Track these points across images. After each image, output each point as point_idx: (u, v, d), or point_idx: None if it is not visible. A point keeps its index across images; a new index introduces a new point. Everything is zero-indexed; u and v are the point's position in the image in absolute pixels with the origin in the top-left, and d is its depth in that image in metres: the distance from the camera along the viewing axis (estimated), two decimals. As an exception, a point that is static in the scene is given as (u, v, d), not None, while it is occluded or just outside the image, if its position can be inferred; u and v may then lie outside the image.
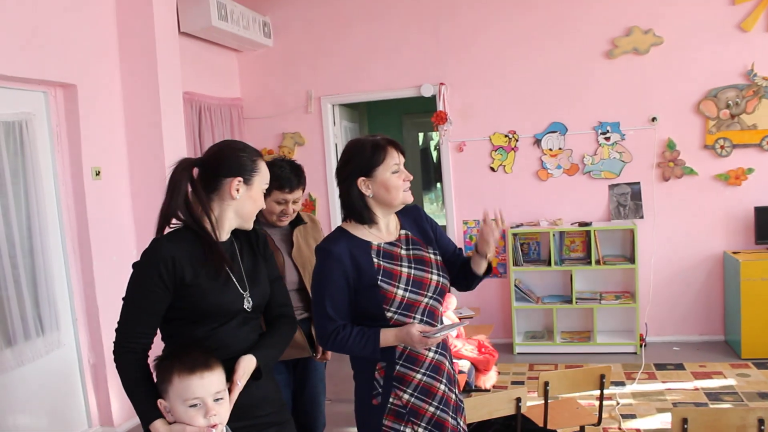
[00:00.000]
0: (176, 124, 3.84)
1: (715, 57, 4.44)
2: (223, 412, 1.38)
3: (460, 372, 3.38)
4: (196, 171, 1.56)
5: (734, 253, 4.36)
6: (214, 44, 4.70)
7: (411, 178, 1.72)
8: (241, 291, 1.54)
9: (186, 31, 4.20)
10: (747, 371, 4.02)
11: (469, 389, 3.49)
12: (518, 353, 4.58)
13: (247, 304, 1.54)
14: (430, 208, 7.59)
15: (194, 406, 1.35)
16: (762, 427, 1.97)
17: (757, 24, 4.38)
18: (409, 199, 1.71)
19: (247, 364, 1.47)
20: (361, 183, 1.65)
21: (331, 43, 4.93)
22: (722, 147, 4.45)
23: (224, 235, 1.56)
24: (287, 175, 2.17)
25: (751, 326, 4.14)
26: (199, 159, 1.58)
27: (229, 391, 1.42)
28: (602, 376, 2.62)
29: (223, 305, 1.50)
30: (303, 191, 2.28)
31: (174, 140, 3.79)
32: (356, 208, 1.67)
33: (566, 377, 2.64)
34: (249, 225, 1.58)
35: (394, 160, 1.66)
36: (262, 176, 1.57)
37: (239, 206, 1.54)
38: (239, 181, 1.52)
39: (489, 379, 3.59)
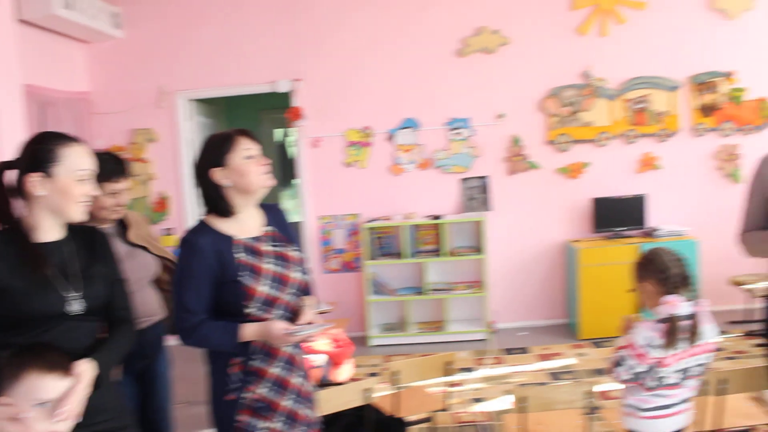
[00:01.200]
0: (15, 120, 4.13)
1: (557, 58, 5.37)
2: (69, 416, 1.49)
3: (316, 366, 3.91)
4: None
5: (574, 241, 5.36)
6: (59, 34, 5.13)
7: (268, 162, 1.90)
8: (64, 293, 1.60)
9: (26, 19, 4.56)
10: (585, 350, 4.96)
11: (324, 383, 3.96)
12: (374, 345, 5.38)
13: (78, 307, 1.61)
14: (288, 205, 8.35)
15: (41, 405, 1.44)
16: (589, 399, 2.53)
17: (591, 29, 5.37)
18: (269, 182, 1.89)
19: (87, 370, 1.56)
20: (216, 173, 1.82)
21: (186, 36, 5.51)
22: (563, 142, 5.51)
23: (46, 235, 1.63)
24: (111, 165, 2.32)
25: (589, 309, 5.13)
26: (12, 160, 1.67)
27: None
28: (448, 363, 3.00)
29: (41, 309, 1.56)
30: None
31: (13, 137, 4.12)
32: (214, 201, 1.85)
33: (415, 366, 2.99)
34: (74, 217, 1.64)
35: (245, 146, 1.83)
36: (68, 165, 1.60)
37: (49, 202, 1.60)
38: (38, 177, 1.59)
39: (344, 372, 4.18)
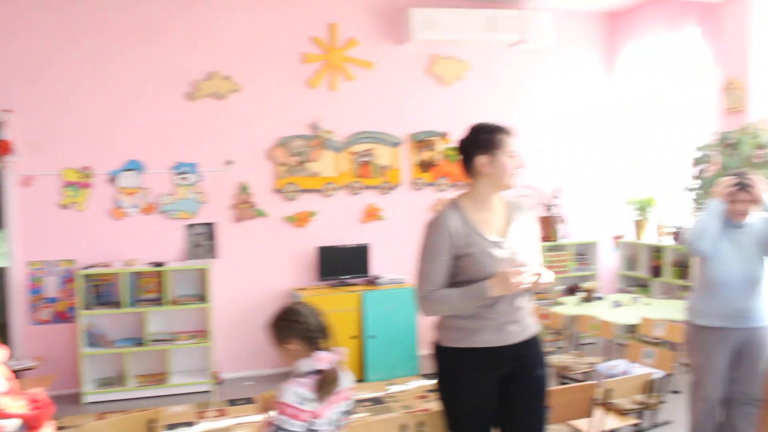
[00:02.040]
0: None
1: (287, 108, 6.05)
2: None
3: None
4: None
5: (300, 289, 6.04)
6: None
7: None
8: None
9: None
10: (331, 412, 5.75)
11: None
12: (89, 402, 5.50)
13: None
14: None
15: None
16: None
17: (321, 83, 6.18)
18: None
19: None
20: None
21: None
22: (291, 191, 6.28)
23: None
24: None
25: None
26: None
27: None
28: (152, 421, 2.99)
29: None
30: None
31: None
32: None
33: (112, 427, 3.05)
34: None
35: None
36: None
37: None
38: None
39: (44, 435, 4.51)
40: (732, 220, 3.52)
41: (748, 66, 5.46)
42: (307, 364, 2.50)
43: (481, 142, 2.60)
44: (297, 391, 2.44)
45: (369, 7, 6.34)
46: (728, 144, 5.09)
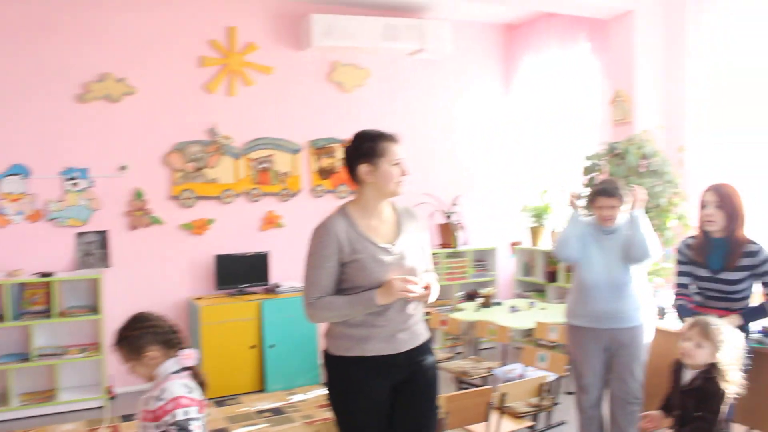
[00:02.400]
0: None
1: (183, 113, 6.12)
2: None
3: None
4: None
5: (197, 299, 6.16)
6: None
7: None
8: None
9: None
10: (207, 411, 5.88)
11: None
12: None
13: None
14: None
15: None
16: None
17: (219, 88, 6.30)
18: None
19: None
20: None
21: None
22: (187, 198, 6.42)
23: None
24: None
25: (212, 367, 5.73)
26: None
27: None
28: None
29: None
30: None
31: None
32: None
33: None
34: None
35: None
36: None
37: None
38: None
39: None
40: (601, 226, 3.95)
41: (634, 79, 6.03)
42: (174, 363, 2.55)
43: (363, 150, 2.66)
44: (182, 383, 2.51)
45: (269, 12, 6.54)
46: (616, 154, 5.58)
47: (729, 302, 3.59)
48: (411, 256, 2.75)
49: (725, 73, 5.44)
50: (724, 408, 2.92)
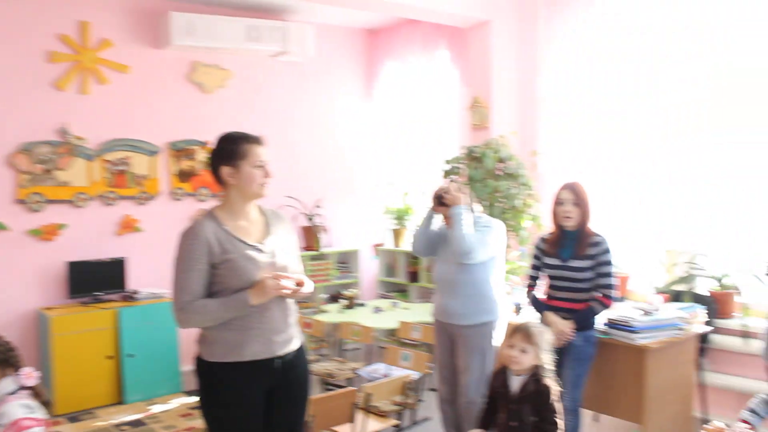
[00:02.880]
0: None
1: (31, 111, 5.74)
2: None
3: None
4: None
5: (47, 308, 5.77)
6: None
7: None
8: None
9: None
10: (61, 428, 5.32)
11: None
12: None
13: None
14: None
15: None
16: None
17: (71, 86, 5.96)
18: None
19: None
20: None
21: None
22: (36, 202, 6.04)
23: None
24: None
25: (64, 381, 5.49)
26: None
27: None
28: None
29: None
30: None
31: None
32: None
33: None
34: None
35: None
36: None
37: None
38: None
39: None
40: (446, 226, 4.10)
41: (490, 87, 6.31)
42: (10, 382, 2.53)
43: (226, 152, 2.65)
44: (21, 404, 2.48)
45: (125, 7, 6.27)
46: (474, 157, 5.82)
47: (575, 292, 3.84)
48: (282, 255, 2.76)
49: (576, 81, 5.79)
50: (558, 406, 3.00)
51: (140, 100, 6.33)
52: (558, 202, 3.86)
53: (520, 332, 2.97)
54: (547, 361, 2.96)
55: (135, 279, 6.26)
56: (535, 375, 2.94)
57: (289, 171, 7.02)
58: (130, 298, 6.09)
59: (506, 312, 4.23)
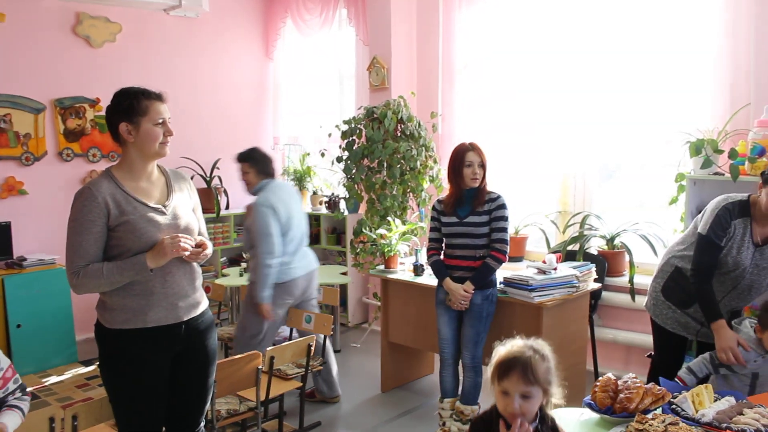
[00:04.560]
0: None
1: None
2: None
3: None
4: None
5: None
6: None
7: None
8: None
9: None
10: None
11: None
12: None
13: None
14: None
15: None
16: None
17: None
18: None
19: None
20: None
21: None
22: None
23: None
24: None
25: None
26: None
27: None
28: None
29: None
30: None
31: None
32: None
33: None
34: None
35: None
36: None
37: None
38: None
39: None
40: None
41: (390, 47, 6.26)
42: None
43: (124, 108, 2.51)
44: None
45: (-1, -49, 5.77)
46: (374, 118, 5.79)
47: (473, 249, 3.91)
48: (185, 216, 2.66)
49: (476, 43, 5.83)
50: None
51: (20, 53, 5.87)
52: (466, 164, 3.89)
53: (515, 371, 1.98)
54: (556, 389, 2.04)
55: (21, 245, 5.88)
56: (544, 419, 2.04)
57: (184, 130, 6.69)
58: (16, 265, 5.71)
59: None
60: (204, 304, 2.80)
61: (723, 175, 4.08)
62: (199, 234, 2.75)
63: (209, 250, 2.67)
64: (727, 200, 3.14)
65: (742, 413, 2.47)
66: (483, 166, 3.89)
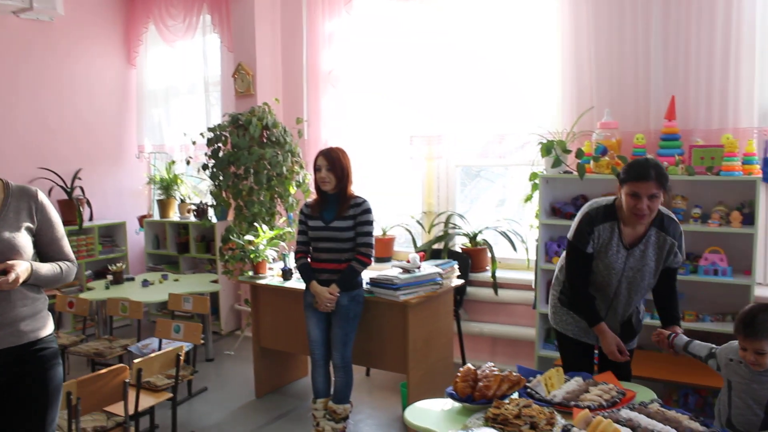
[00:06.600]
0: None
1: None
2: None
3: None
4: None
5: None
6: None
7: None
8: None
9: None
10: None
11: None
12: None
13: None
14: None
15: None
16: None
17: None
18: None
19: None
20: None
21: None
22: None
23: None
24: None
25: None
26: None
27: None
28: None
29: None
30: None
31: None
32: None
33: None
34: None
35: None
36: None
37: None
38: None
39: None
40: None
41: (254, 53, 6.23)
42: None
43: None
44: None
45: None
46: (239, 125, 5.74)
47: (338, 252, 3.97)
48: (8, 239, 2.40)
49: (342, 49, 5.91)
50: None
51: None
52: (316, 169, 3.96)
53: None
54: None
55: None
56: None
57: (41, 140, 6.40)
58: None
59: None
60: (34, 335, 2.50)
61: (572, 173, 4.35)
62: (47, 252, 2.57)
63: (12, 276, 2.30)
64: (591, 206, 3.08)
65: (588, 391, 2.65)
66: (333, 170, 3.91)
